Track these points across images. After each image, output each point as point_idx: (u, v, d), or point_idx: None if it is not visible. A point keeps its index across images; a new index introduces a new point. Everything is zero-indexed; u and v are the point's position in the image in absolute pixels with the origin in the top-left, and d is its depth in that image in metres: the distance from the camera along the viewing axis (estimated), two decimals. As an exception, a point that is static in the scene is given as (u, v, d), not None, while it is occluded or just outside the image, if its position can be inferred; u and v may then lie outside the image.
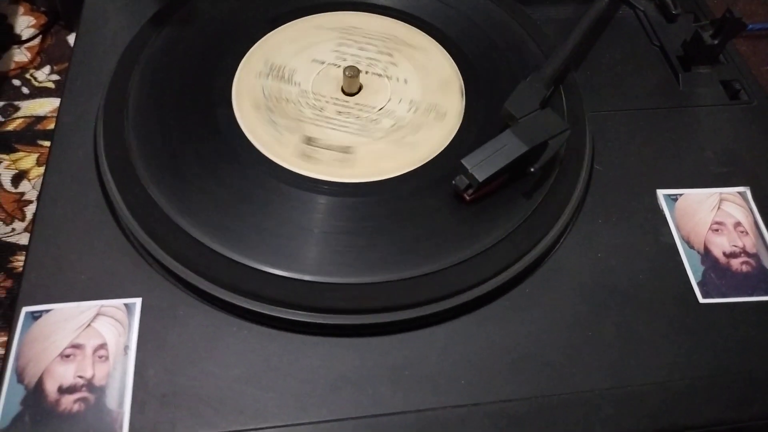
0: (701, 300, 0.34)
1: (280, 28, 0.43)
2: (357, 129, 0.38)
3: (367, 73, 0.41)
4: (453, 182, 0.34)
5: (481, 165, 0.33)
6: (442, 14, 0.44)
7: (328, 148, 0.37)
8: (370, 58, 0.42)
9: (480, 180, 0.33)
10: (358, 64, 0.41)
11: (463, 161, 0.34)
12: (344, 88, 0.40)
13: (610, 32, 0.46)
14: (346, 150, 0.37)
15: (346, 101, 0.40)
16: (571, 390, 0.31)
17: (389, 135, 0.38)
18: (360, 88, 0.40)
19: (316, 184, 0.36)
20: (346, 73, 0.39)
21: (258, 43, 0.42)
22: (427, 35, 0.43)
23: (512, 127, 0.35)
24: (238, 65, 0.41)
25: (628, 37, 0.46)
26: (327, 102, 0.40)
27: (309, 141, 0.37)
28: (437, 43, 0.43)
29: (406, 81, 0.41)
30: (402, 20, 0.44)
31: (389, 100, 0.40)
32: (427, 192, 0.36)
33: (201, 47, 0.41)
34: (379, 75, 0.41)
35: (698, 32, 0.43)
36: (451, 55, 0.42)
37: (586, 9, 0.43)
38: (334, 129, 0.38)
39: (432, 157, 0.37)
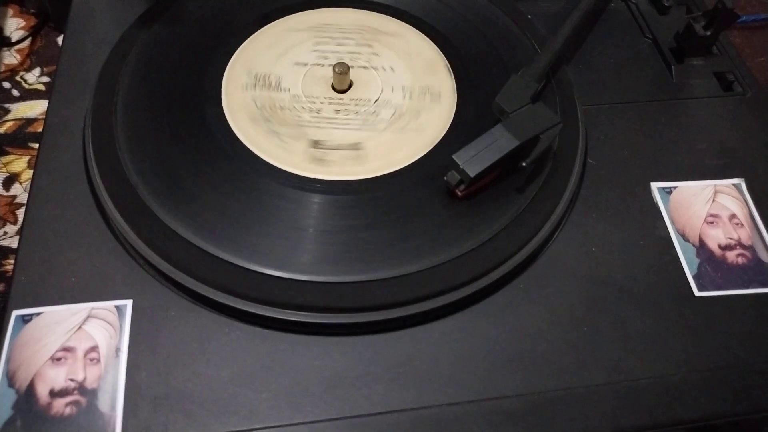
0: (697, 293, 0.34)
1: (252, 36, 0.42)
2: (359, 124, 0.38)
3: (352, 67, 0.41)
4: (445, 178, 0.34)
5: (473, 160, 0.33)
6: (429, 7, 0.44)
7: (337, 148, 0.37)
8: (352, 52, 0.41)
9: (472, 176, 0.33)
10: (341, 59, 0.41)
11: (454, 157, 0.33)
12: (335, 86, 0.40)
13: (602, 25, 0.46)
14: (355, 147, 0.37)
15: (341, 99, 0.40)
16: (568, 386, 0.31)
17: (392, 124, 0.38)
18: (351, 84, 0.40)
19: (307, 182, 0.35)
20: (336, 69, 0.39)
21: (234, 54, 0.41)
22: (400, 21, 0.43)
23: (503, 121, 0.35)
24: (227, 63, 0.40)
25: (620, 29, 0.46)
26: (322, 103, 0.39)
27: (316, 144, 0.37)
28: (412, 27, 0.43)
29: (392, 69, 0.41)
30: (373, 10, 0.44)
31: (382, 91, 0.40)
32: (419, 189, 0.35)
33: (189, 46, 0.41)
34: (365, 67, 0.41)
35: (691, 24, 0.43)
36: (428, 37, 0.42)
37: (577, 2, 0.42)
38: (336, 128, 0.38)
39: (441, 138, 0.38)
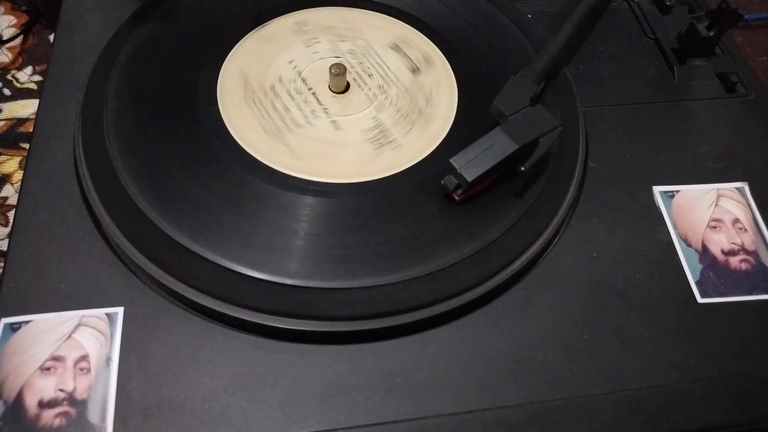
0: (699, 300, 0.33)
1: (232, 52, 0.41)
2: (305, 117, 0.38)
3: (351, 74, 0.40)
4: (442, 182, 0.33)
5: (470, 164, 0.32)
6: (427, 6, 0.43)
7: (314, 140, 0.36)
8: (386, 72, 0.40)
9: (469, 180, 0.32)
10: (348, 64, 0.40)
11: (452, 161, 0.33)
12: (330, 86, 0.39)
13: (603, 25, 0.45)
14: (332, 145, 0.36)
15: (329, 103, 0.39)
16: (568, 395, 0.30)
17: (370, 134, 0.37)
18: (347, 88, 0.39)
19: (303, 185, 0.35)
20: (332, 70, 0.38)
21: (229, 54, 0.40)
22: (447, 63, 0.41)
23: (502, 124, 0.34)
24: (222, 63, 0.40)
25: (621, 29, 0.45)
26: (309, 89, 0.39)
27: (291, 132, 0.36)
28: (452, 73, 0.41)
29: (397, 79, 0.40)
30: (424, 33, 0.42)
31: (377, 99, 0.39)
32: (417, 193, 0.35)
33: (182, 44, 0.40)
34: (370, 76, 0.40)
35: (693, 24, 0.42)
36: (432, 42, 0.41)
37: (578, 1, 0.42)
38: (312, 126, 0.38)
39: (440, 141, 0.37)
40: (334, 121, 0.38)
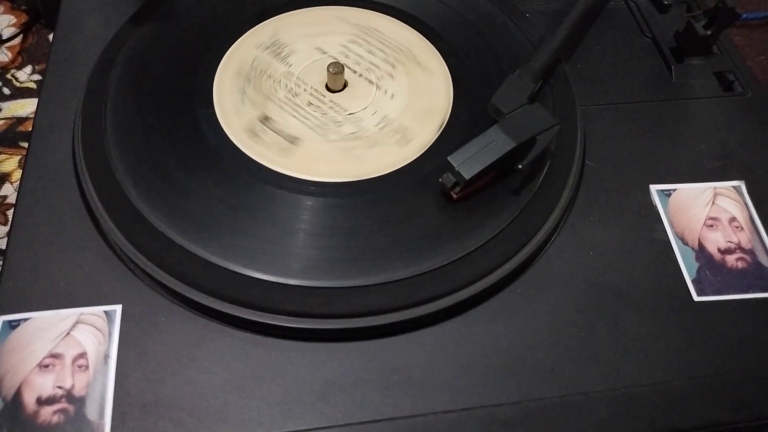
0: (696, 298, 0.33)
1: (302, 9, 0.42)
2: (316, 124, 0.38)
3: (360, 75, 0.40)
4: (440, 180, 0.33)
5: (468, 162, 0.32)
6: (424, 3, 0.44)
7: (278, 132, 0.37)
8: (372, 64, 0.41)
9: (467, 178, 0.32)
10: (357, 65, 0.40)
11: (450, 159, 0.33)
12: (327, 84, 0.39)
13: (601, 24, 0.45)
14: (292, 140, 0.36)
15: (323, 96, 0.39)
16: (564, 393, 0.30)
17: (342, 141, 0.37)
18: (344, 86, 0.39)
19: (301, 185, 0.35)
20: (330, 69, 0.38)
21: (226, 54, 0.40)
22: (441, 58, 0.41)
23: (499, 122, 0.34)
24: (218, 63, 0.40)
25: (619, 28, 0.45)
26: (305, 90, 0.39)
27: (264, 119, 0.36)
28: (447, 69, 0.41)
29: (393, 96, 0.39)
30: (422, 32, 0.42)
31: (364, 109, 0.39)
32: (413, 191, 0.35)
33: (181, 45, 0.40)
34: (370, 81, 0.40)
35: (691, 23, 0.42)
36: (454, 85, 0.40)
37: (575, 1, 0.42)
38: (295, 117, 0.38)
39: (436, 138, 0.37)
40: (308, 115, 0.38)
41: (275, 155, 0.36)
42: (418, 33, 0.42)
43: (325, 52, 0.41)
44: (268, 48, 0.40)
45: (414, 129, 0.38)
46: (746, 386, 0.31)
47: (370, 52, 0.41)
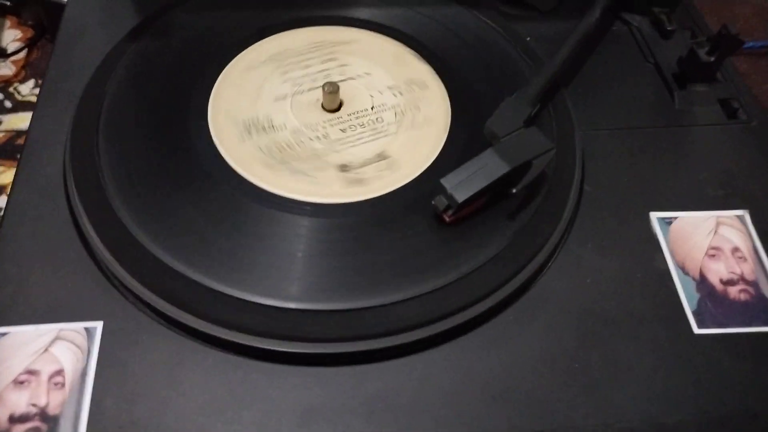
0: (696, 330, 0.32)
1: (216, 83, 0.39)
2: (372, 134, 0.37)
3: (355, 84, 0.40)
4: (432, 203, 0.33)
5: (461, 185, 0.32)
6: (423, 26, 0.43)
7: (366, 164, 0.36)
8: (321, 71, 0.40)
9: (459, 201, 0.31)
10: (314, 81, 0.40)
11: (442, 181, 0.32)
12: (326, 106, 0.39)
13: (604, 48, 0.45)
14: (381, 156, 0.36)
15: (339, 117, 0.39)
16: (556, 426, 0.29)
17: (401, 123, 0.38)
18: (341, 102, 0.39)
19: (287, 204, 0.34)
20: (326, 89, 0.38)
21: (210, 103, 0.38)
22: (349, 27, 0.43)
23: (494, 146, 0.33)
24: (215, 81, 0.39)
25: (621, 53, 0.45)
26: (324, 127, 0.38)
27: (344, 168, 0.35)
28: (363, 30, 0.42)
29: (368, 74, 0.40)
30: (327, 24, 0.43)
31: (372, 97, 0.39)
32: (406, 213, 0.34)
33: (176, 63, 0.40)
34: (343, 80, 0.40)
35: (694, 49, 0.41)
36: (452, 110, 0.40)
37: (576, 25, 0.41)
38: (354, 146, 0.37)
39: (432, 161, 0.37)
40: (357, 135, 0.38)
41: (391, 175, 0.35)
42: (311, 27, 0.43)
43: (285, 96, 0.39)
44: (251, 133, 0.37)
45: (412, 74, 0.39)
46: (746, 423, 0.29)
47: (306, 66, 0.41)
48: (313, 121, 0.38)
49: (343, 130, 0.38)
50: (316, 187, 0.35)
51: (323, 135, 0.38)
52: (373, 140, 0.37)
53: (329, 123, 0.38)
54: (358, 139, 0.37)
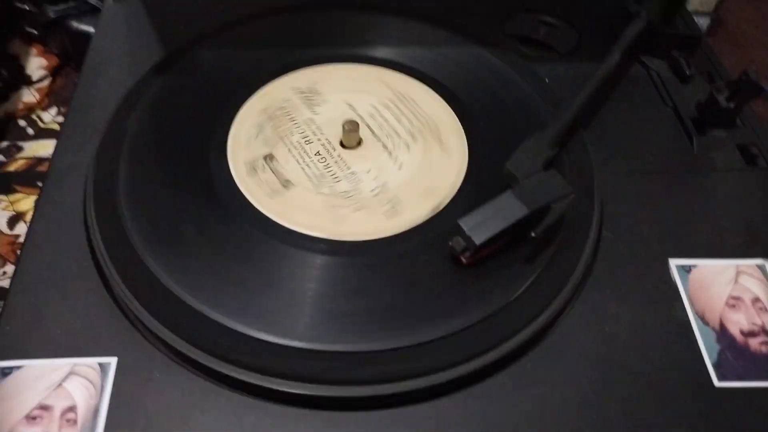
0: (717, 383, 0.31)
1: (348, 64, 0.43)
2: (314, 174, 0.37)
3: (378, 139, 0.40)
4: (450, 243, 0.33)
5: (479, 227, 0.32)
6: (442, 67, 0.44)
7: (275, 173, 0.37)
8: (394, 130, 0.40)
9: (477, 243, 0.31)
10: (380, 128, 0.40)
11: (460, 222, 0.32)
12: (342, 140, 0.39)
13: (622, 91, 0.45)
14: (285, 184, 0.36)
15: (334, 149, 0.39)
16: (572, 480, 0.28)
17: (332, 197, 0.36)
18: (358, 144, 0.39)
19: (306, 242, 0.34)
20: (345, 126, 0.38)
21: (324, 66, 0.42)
22: (464, 137, 0.40)
23: (513, 188, 0.33)
24: (234, 117, 0.40)
25: (640, 97, 0.45)
26: (318, 140, 0.39)
27: (269, 158, 0.37)
28: (466, 151, 0.39)
29: (401, 166, 0.38)
30: (451, 106, 0.42)
31: (367, 171, 0.38)
32: (422, 254, 0.34)
33: (200, 98, 0.41)
34: (385, 147, 0.39)
35: (713, 94, 0.41)
36: (469, 163, 0.39)
37: (596, 67, 0.42)
38: (297, 163, 0.38)
39: (450, 200, 0.36)
40: (311, 163, 0.38)
41: (263, 195, 0.36)
42: (449, 108, 0.42)
43: (354, 109, 0.41)
44: (303, 93, 0.41)
45: (408, 204, 0.36)
46: (771, 486, 0.29)
47: (397, 119, 0.41)
48: (324, 131, 0.40)
49: (317, 153, 0.39)
50: (244, 141, 0.37)
51: (309, 140, 0.39)
52: (306, 177, 0.37)
53: (326, 142, 0.39)
54: (308, 165, 0.38)
